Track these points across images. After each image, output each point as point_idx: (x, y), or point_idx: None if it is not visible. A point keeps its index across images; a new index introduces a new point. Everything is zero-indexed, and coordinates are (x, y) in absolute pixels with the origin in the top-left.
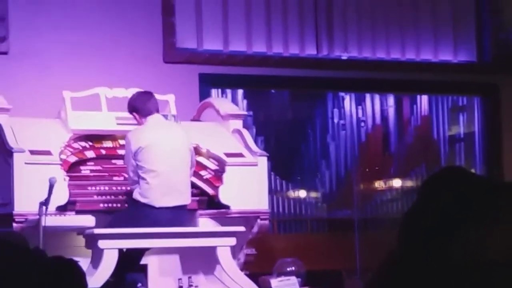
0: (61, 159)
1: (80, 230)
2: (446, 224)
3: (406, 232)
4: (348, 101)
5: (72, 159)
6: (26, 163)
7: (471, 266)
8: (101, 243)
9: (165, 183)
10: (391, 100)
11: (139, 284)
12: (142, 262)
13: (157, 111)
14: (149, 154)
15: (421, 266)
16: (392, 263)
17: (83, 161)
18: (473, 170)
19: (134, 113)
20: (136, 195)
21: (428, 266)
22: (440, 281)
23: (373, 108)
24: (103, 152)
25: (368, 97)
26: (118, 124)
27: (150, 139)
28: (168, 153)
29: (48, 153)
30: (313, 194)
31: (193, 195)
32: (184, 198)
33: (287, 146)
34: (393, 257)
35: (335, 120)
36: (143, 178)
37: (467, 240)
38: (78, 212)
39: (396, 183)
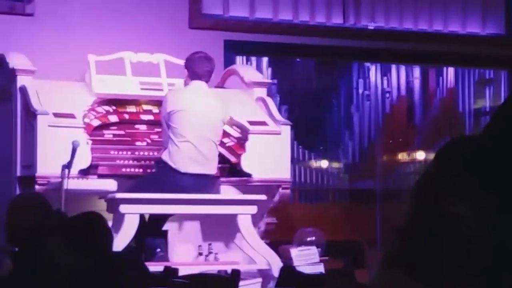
0: (84, 123)
1: (102, 194)
2: (456, 192)
3: (418, 200)
4: (374, 72)
5: (96, 123)
6: (49, 126)
7: (479, 240)
8: (122, 208)
9: (193, 150)
10: (417, 71)
11: (158, 249)
12: (163, 227)
13: (206, 79)
14: (181, 118)
15: (432, 234)
16: (407, 231)
17: (106, 125)
18: None
19: (187, 71)
20: (165, 157)
21: (438, 234)
22: (449, 250)
23: (398, 79)
24: (127, 116)
25: (393, 68)
26: (142, 89)
27: (185, 104)
28: (200, 121)
29: (71, 116)
30: (336, 165)
31: None
32: (210, 167)
33: (311, 116)
34: (408, 225)
35: (360, 91)
36: (173, 141)
37: (475, 212)
38: (100, 176)
39: (420, 155)
